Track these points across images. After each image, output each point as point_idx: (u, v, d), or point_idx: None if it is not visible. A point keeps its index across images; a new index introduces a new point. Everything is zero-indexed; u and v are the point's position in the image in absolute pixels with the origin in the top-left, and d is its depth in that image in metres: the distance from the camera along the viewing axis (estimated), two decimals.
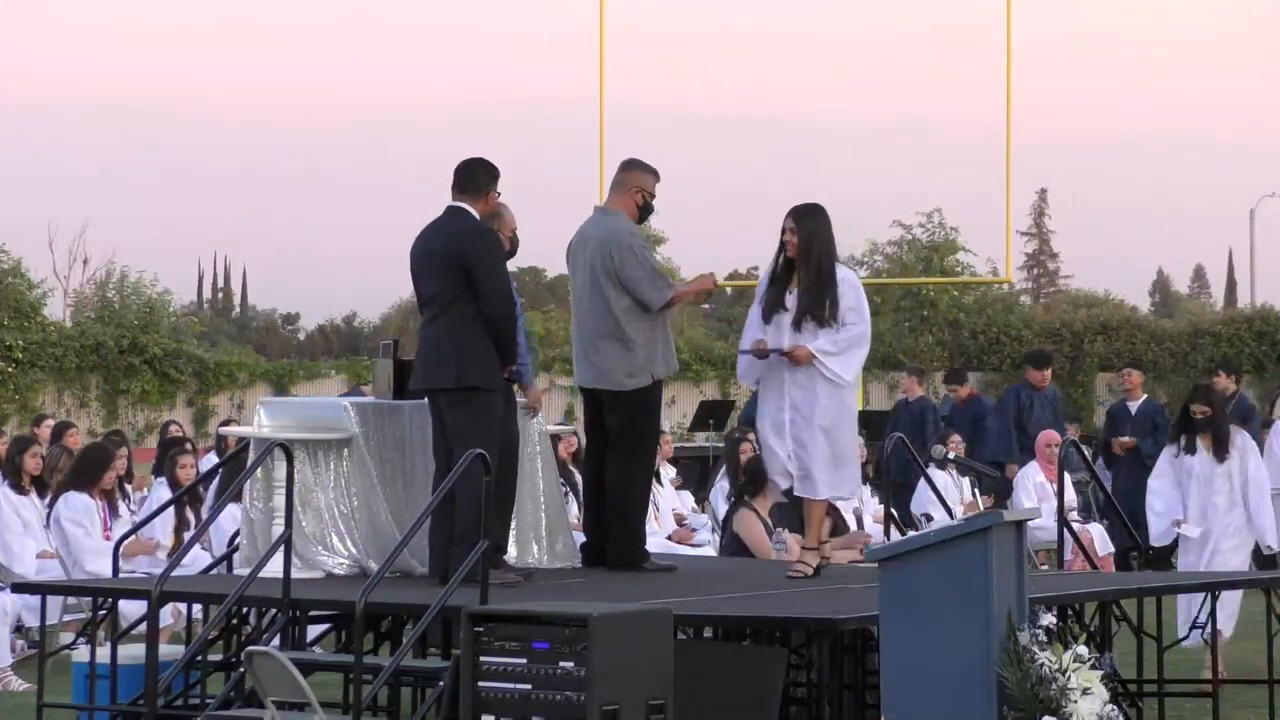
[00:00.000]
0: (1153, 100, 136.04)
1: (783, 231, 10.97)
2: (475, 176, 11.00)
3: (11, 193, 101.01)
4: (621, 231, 11.55)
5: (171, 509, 14.70)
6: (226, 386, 46.31)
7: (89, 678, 10.67)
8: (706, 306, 66.62)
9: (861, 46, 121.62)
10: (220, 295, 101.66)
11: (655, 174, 11.85)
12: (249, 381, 46.39)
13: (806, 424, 10.95)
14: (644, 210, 11.81)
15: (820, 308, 10.87)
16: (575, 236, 11.77)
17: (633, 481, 11.68)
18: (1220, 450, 13.56)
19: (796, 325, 10.91)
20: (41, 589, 12.13)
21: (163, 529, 14.92)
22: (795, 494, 11.13)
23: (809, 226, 10.93)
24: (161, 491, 15.79)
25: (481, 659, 8.34)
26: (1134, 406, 20.90)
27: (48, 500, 14.76)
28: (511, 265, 11.43)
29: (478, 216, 10.93)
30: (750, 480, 13.47)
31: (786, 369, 10.95)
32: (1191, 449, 13.63)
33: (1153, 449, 20.28)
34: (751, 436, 17.89)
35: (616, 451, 11.69)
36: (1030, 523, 9.13)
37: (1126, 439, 20.32)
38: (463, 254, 10.75)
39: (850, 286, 11.05)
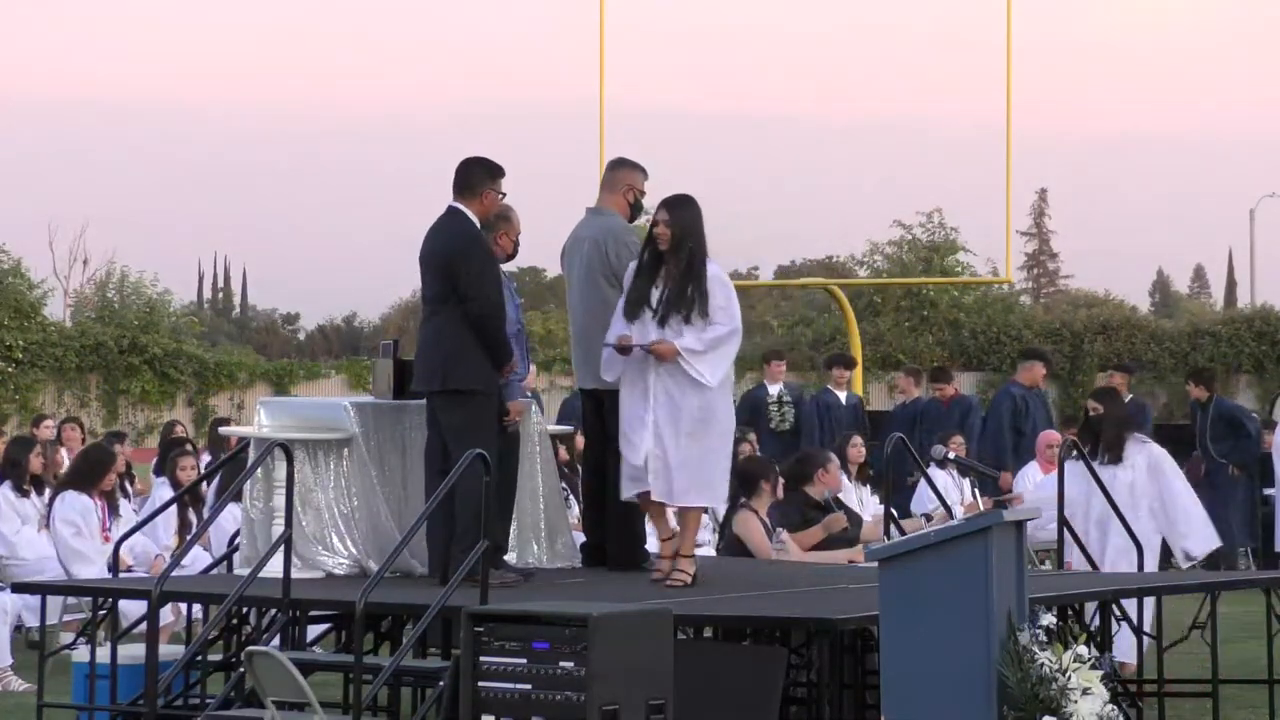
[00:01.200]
0: (1153, 100, 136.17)
1: (654, 224, 10.55)
2: (470, 176, 10.97)
3: (11, 193, 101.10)
4: (616, 229, 11.52)
5: (175, 510, 14.73)
6: (226, 386, 46.35)
7: (89, 678, 10.68)
8: None
9: (862, 47, 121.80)
10: (220, 295, 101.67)
11: (644, 171, 11.79)
12: (249, 381, 46.42)
13: (672, 425, 10.53)
14: (635, 208, 11.73)
15: (688, 303, 10.47)
16: (568, 239, 11.74)
17: None
18: (1111, 452, 13.09)
19: (661, 322, 10.51)
20: (41, 589, 12.14)
21: (166, 530, 14.92)
22: (653, 499, 10.66)
23: (682, 218, 10.55)
24: (164, 492, 15.79)
25: (481, 659, 8.34)
26: None
27: (46, 499, 14.76)
28: (511, 266, 11.39)
29: (474, 217, 10.90)
30: (744, 481, 13.45)
31: (653, 366, 10.56)
32: (1091, 455, 13.09)
33: None
34: (751, 437, 17.92)
35: (616, 451, 11.67)
36: (1030, 522, 9.13)
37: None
38: (449, 256, 10.75)
39: (721, 285, 10.59)
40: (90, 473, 14.73)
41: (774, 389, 21.62)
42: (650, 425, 10.55)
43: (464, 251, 10.76)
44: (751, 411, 21.49)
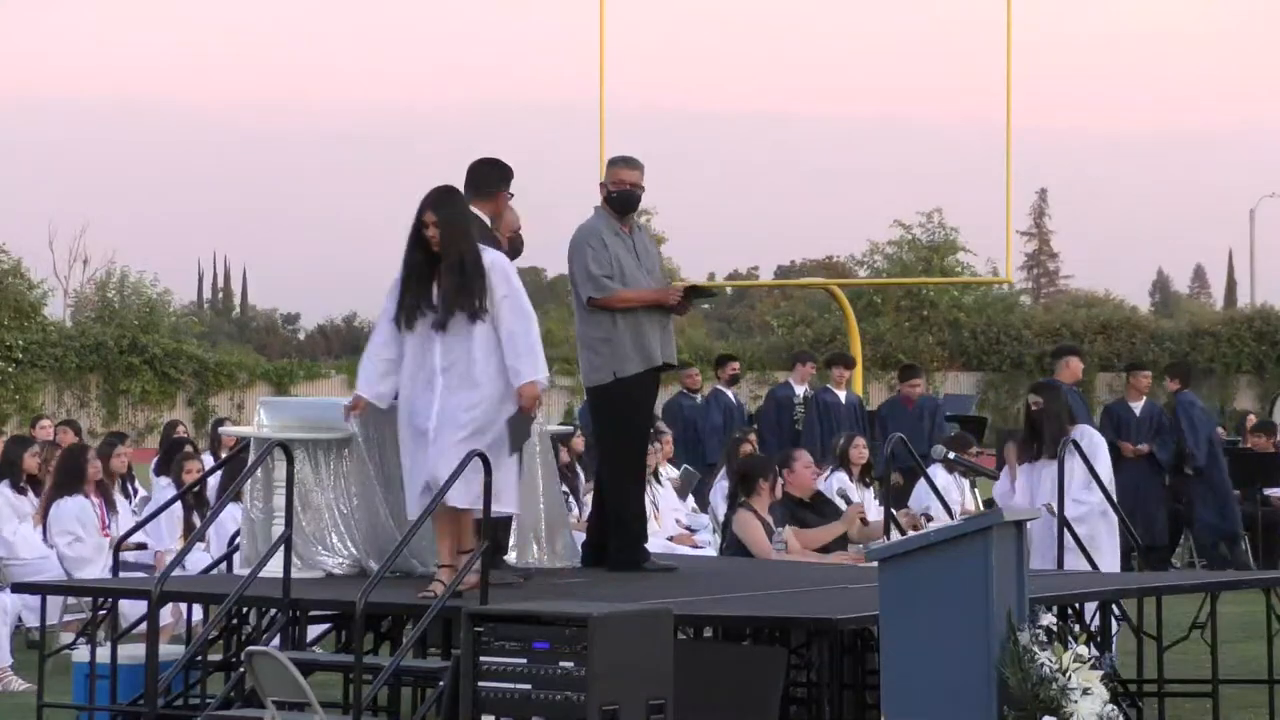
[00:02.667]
0: (1153, 100, 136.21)
1: (423, 226, 9.86)
2: (482, 178, 10.94)
3: (11, 193, 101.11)
4: (581, 230, 11.62)
5: (182, 514, 14.73)
6: (226, 386, 46.38)
7: (89, 678, 10.67)
8: (706, 306, 66.50)
9: (863, 47, 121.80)
10: (220, 295, 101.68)
11: (626, 163, 11.66)
12: (249, 381, 46.47)
13: (450, 430, 9.86)
14: (617, 201, 11.64)
15: (470, 299, 9.82)
16: None
17: (619, 481, 11.67)
18: (1050, 450, 12.83)
19: (442, 325, 9.89)
20: (41, 589, 12.13)
21: (170, 532, 14.90)
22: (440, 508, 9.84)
23: (449, 215, 9.92)
24: (167, 493, 15.79)
25: (481, 659, 8.34)
26: (1137, 408, 20.79)
27: (42, 499, 14.75)
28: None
29: (487, 219, 10.89)
30: (743, 480, 13.45)
31: (439, 372, 9.88)
32: (1037, 454, 13.04)
33: (1161, 452, 20.21)
34: (752, 437, 17.90)
35: (598, 450, 11.78)
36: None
37: (1143, 446, 20.17)
38: None
39: (501, 274, 9.97)
40: (71, 475, 14.66)
41: (800, 389, 21.56)
42: (431, 433, 9.88)
43: None
44: (777, 410, 21.45)
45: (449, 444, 9.82)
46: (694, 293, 12.30)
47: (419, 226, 9.91)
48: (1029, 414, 13.27)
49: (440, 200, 9.94)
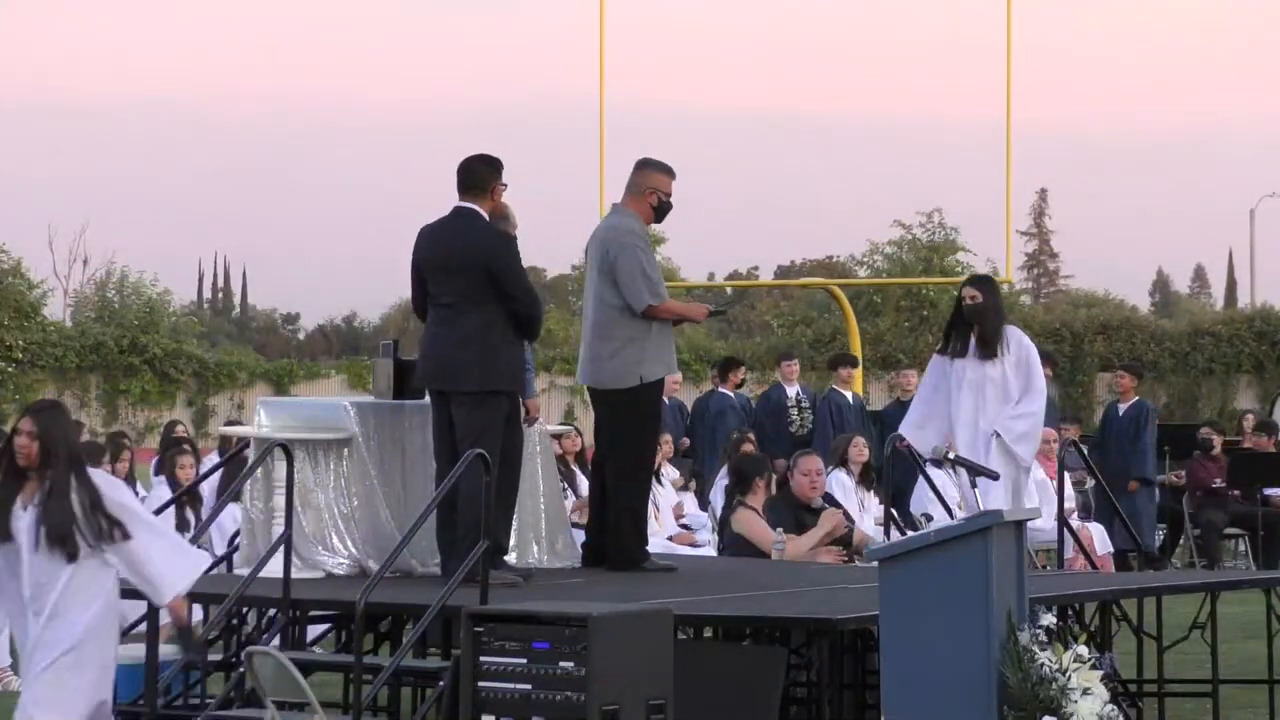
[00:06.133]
0: (1153, 100, 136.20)
1: (15, 433, 8.17)
2: (477, 174, 10.96)
3: (11, 193, 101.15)
4: (623, 229, 11.56)
5: (172, 510, 14.71)
6: (226, 386, 46.32)
7: None
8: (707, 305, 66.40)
9: (863, 47, 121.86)
10: (220, 295, 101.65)
11: (670, 173, 11.76)
12: (249, 381, 46.40)
13: (48, 647, 8.16)
14: (660, 211, 11.74)
15: (61, 533, 8.03)
16: (591, 235, 11.82)
17: (626, 482, 11.67)
18: (987, 347, 12.49)
19: (34, 550, 8.07)
20: None
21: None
22: None
23: (49, 424, 8.13)
24: (162, 491, 15.78)
25: (481, 659, 8.34)
26: (1122, 408, 20.79)
27: None
28: None
29: (487, 216, 10.89)
30: (739, 479, 13.45)
31: (30, 592, 8.13)
32: (962, 350, 12.60)
33: (1131, 459, 20.11)
34: (751, 436, 17.90)
35: (607, 451, 11.74)
36: (1030, 523, 9.12)
37: (1132, 484, 20.04)
38: (486, 260, 10.69)
39: (123, 508, 8.23)
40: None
41: (791, 391, 21.34)
42: (30, 665, 8.25)
43: (503, 256, 10.74)
44: (771, 413, 21.33)
45: (43, 689, 8.17)
46: (713, 313, 12.54)
47: (13, 432, 8.23)
48: (961, 307, 12.72)
49: (41, 408, 8.34)
